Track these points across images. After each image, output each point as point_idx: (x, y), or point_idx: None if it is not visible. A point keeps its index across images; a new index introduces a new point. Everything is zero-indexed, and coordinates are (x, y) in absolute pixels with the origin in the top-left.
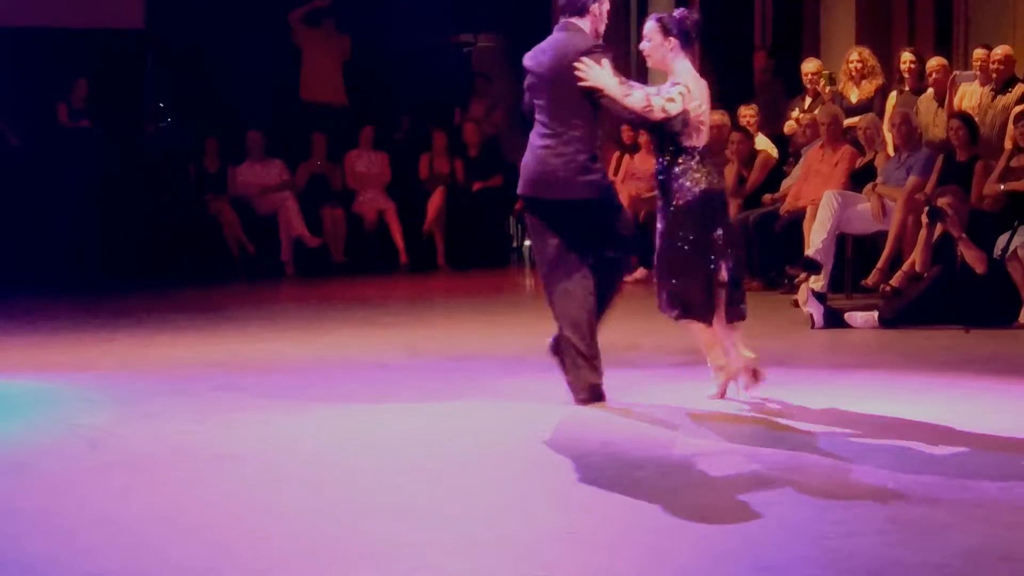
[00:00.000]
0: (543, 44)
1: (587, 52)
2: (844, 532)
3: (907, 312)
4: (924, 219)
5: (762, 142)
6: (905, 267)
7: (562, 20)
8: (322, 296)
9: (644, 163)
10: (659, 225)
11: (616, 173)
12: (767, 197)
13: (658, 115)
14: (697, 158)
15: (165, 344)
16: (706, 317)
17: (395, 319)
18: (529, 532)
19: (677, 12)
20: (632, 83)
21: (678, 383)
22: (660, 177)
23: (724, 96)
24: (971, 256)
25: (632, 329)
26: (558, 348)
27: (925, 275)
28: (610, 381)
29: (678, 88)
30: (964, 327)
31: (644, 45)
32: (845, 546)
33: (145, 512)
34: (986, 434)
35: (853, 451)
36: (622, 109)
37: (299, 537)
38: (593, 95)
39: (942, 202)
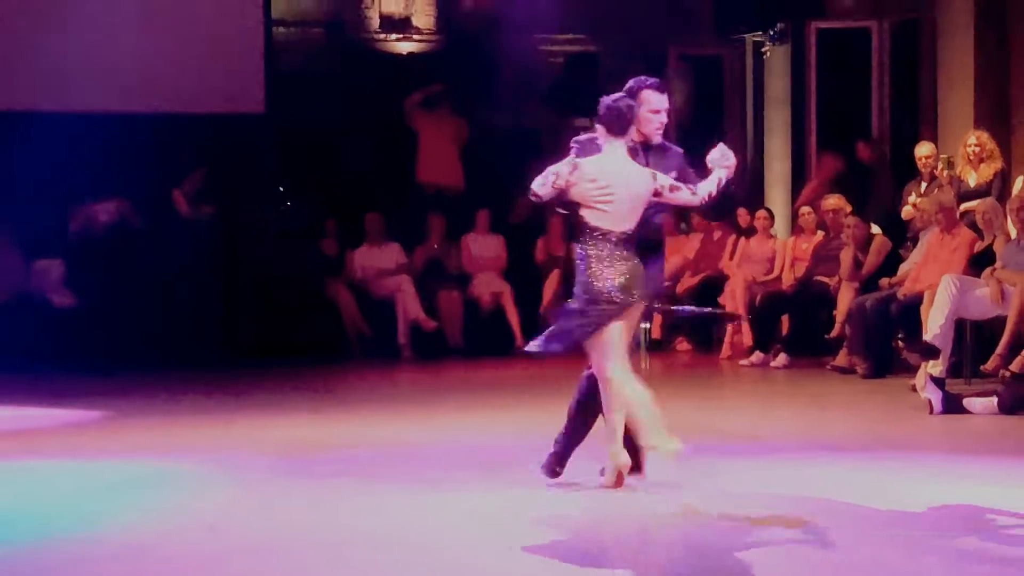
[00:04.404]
0: None
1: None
2: None
3: None
4: None
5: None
6: None
7: None
8: (438, 379)
9: (760, 246)
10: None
11: (732, 256)
12: (884, 281)
13: (531, 196)
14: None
15: (283, 426)
16: None
17: (511, 401)
18: None
19: (607, 97)
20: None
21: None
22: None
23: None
24: None
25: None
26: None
27: None
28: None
29: (559, 167)
30: None
31: None
32: None
33: None
34: None
35: (976, 540)
36: None
37: None
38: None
39: None
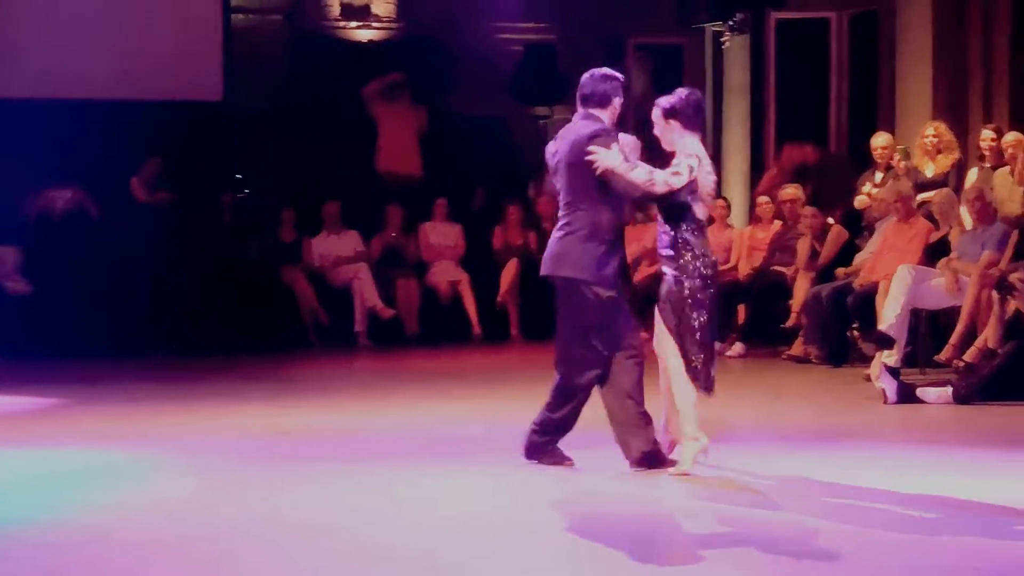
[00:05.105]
0: (561, 132)
1: (594, 136)
2: None
3: (981, 388)
4: (996, 294)
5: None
6: (979, 343)
7: (583, 110)
8: (395, 367)
9: (717, 235)
10: (665, 297)
11: None
12: (840, 271)
13: (661, 189)
14: (701, 230)
15: (241, 413)
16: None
17: (468, 390)
18: None
19: (679, 92)
20: (637, 162)
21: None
22: (669, 250)
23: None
24: None
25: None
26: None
27: (999, 351)
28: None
29: (687, 161)
30: None
31: (656, 131)
32: None
33: None
34: None
35: (930, 529)
36: (629, 186)
37: None
38: (605, 177)
39: (1014, 278)
